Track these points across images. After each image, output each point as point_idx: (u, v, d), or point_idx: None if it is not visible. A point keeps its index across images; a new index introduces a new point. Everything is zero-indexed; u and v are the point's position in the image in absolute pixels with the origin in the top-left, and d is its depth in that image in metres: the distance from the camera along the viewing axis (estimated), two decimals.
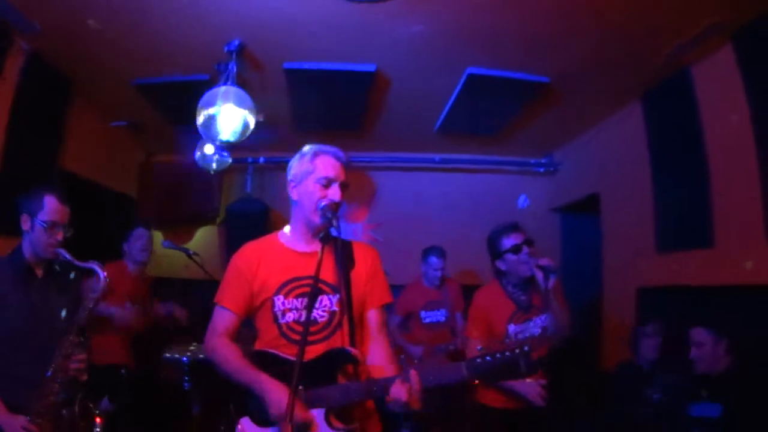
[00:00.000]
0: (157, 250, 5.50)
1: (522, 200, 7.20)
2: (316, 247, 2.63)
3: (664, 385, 4.16)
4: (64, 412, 3.10)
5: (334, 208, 2.59)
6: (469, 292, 6.39)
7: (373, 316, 2.76)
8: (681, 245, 4.64)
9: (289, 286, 2.63)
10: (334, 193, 2.60)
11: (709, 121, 4.34)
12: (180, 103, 5.03)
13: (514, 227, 3.97)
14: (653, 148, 5.03)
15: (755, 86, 3.84)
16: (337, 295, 2.64)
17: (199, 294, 5.60)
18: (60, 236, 3.18)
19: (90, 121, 5.74)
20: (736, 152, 4.03)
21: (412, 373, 2.38)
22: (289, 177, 2.71)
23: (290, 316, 2.60)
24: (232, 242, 7.01)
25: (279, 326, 2.61)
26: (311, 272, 2.44)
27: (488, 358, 2.40)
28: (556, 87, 5.00)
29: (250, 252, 2.74)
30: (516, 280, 3.85)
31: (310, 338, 2.50)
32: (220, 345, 2.61)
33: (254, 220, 6.89)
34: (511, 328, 3.85)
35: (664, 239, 4.88)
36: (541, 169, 7.34)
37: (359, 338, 2.67)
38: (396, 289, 5.81)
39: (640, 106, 5.19)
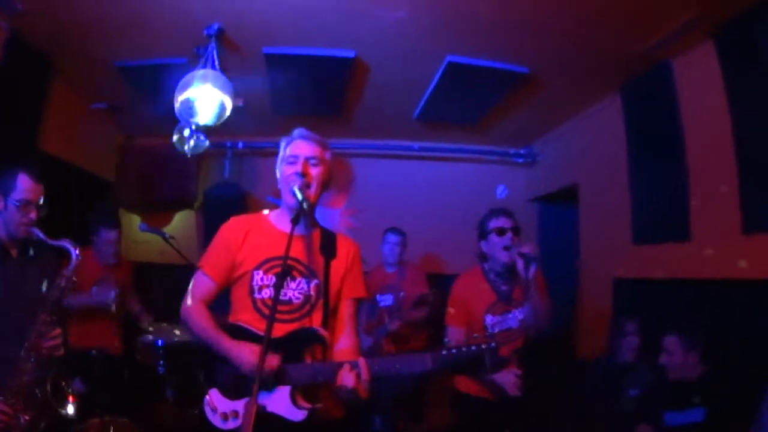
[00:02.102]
0: (132, 234, 5.48)
1: (500, 190, 7.20)
2: (301, 230, 2.70)
3: (641, 382, 4.17)
4: (37, 391, 3.09)
5: (302, 184, 2.64)
6: (445, 279, 6.46)
7: (345, 307, 2.82)
8: (657, 238, 4.67)
9: (270, 264, 2.69)
10: (299, 166, 2.67)
11: (687, 115, 4.36)
12: (159, 86, 5.00)
13: (504, 211, 3.92)
14: (631, 140, 5.04)
15: (735, 82, 3.86)
16: (315, 281, 2.71)
17: (175, 279, 5.62)
18: (33, 215, 3.17)
19: (70, 102, 5.70)
20: (714, 146, 4.05)
21: (361, 360, 2.42)
22: (276, 163, 2.82)
23: (266, 293, 2.66)
24: (209, 227, 6.96)
25: (254, 301, 2.67)
26: (293, 254, 2.57)
27: (454, 351, 2.43)
28: (536, 77, 5.01)
29: (238, 224, 2.81)
30: (498, 267, 3.79)
31: (283, 317, 2.61)
32: (196, 310, 2.69)
33: (232, 204, 6.82)
34: (488, 318, 3.79)
35: (640, 231, 4.90)
36: (521, 160, 7.34)
37: (331, 326, 2.74)
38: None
39: (619, 98, 5.19)
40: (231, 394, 2.56)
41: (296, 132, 2.83)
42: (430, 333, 5.68)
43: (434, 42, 4.54)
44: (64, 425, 3.41)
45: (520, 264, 3.59)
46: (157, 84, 5.10)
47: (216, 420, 2.55)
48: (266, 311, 2.62)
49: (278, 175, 2.79)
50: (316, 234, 2.81)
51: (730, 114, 3.87)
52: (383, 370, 2.46)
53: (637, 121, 4.98)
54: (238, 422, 2.49)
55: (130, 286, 5.44)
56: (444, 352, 2.43)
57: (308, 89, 5.49)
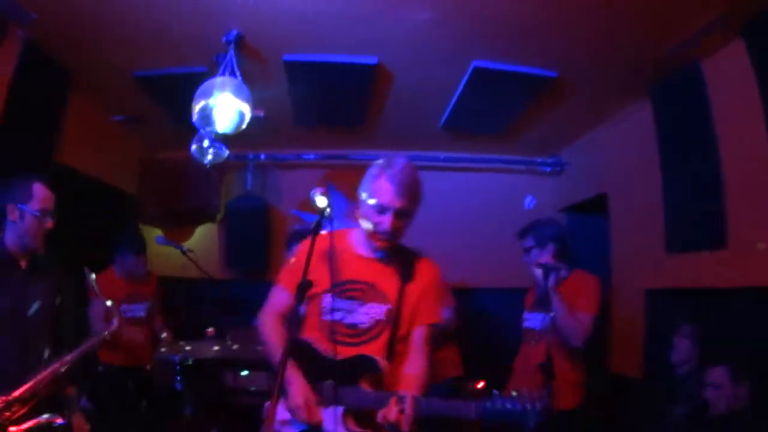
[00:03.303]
0: (153, 248, 5.47)
1: (528, 201, 7.07)
2: (381, 256, 2.77)
3: (688, 396, 3.90)
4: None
5: (386, 237, 2.65)
6: (471, 294, 6.32)
7: (417, 333, 2.79)
8: (692, 246, 4.49)
9: (343, 287, 2.71)
10: (385, 222, 2.61)
11: (720, 118, 4.20)
12: (179, 96, 4.87)
13: (526, 231, 4.34)
14: (663, 146, 4.88)
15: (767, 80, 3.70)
16: (387, 305, 2.72)
17: (195, 293, 5.56)
18: (50, 224, 3.16)
19: (88, 114, 5.64)
20: (750, 149, 3.89)
21: (408, 396, 2.44)
22: (361, 188, 2.73)
23: (336, 315, 2.71)
24: (231, 240, 6.95)
25: (322, 322, 2.72)
26: (368, 278, 2.73)
27: (498, 405, 2.42)
28: (564, 82, 4.88)
29: (324, 242, 2.74)
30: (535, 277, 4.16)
31: (347, 340, 2.68)
32: (270, 324, 2.79)
33: (254, 217, 6.85)
34: (525, 314, 4.38)
35: (674, 240, 4.73)
36: (548, 169, 7.22)
37: (401, 351, 2.74)
38: None
39: (648, 103, 5.04)
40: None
41: (390, 170, 2.66)
42: (459, 344, 5.55)
43: (459, 47, 4.44)
44: None
45: (539, 274, 3.86)
46: (177, 94, 4.99)
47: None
48: (334, 334, 2.66)
49: (361, 201, 2.70)
50: (398, 257, 2.78)
51: (765, 114, 3.69)
52: (427, 409, 2.46)
53: (668, 125, 4.83)
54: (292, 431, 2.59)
55: (157, 300, 5.43)
56: (488, 405, 2.43)
57: (330, 98, 5.39)
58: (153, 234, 6.49)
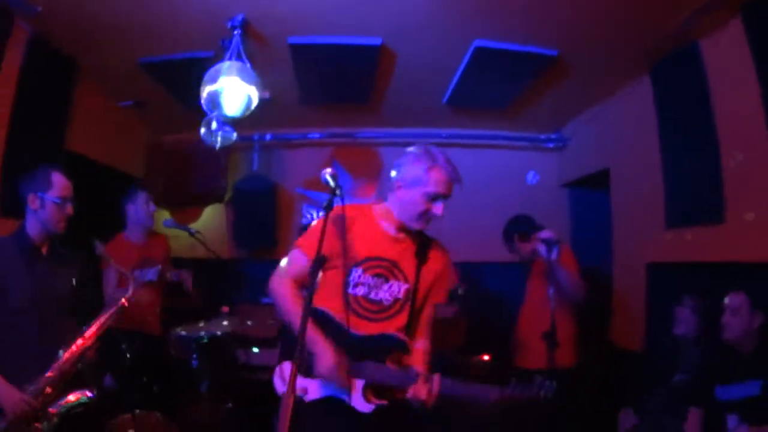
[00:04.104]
0: (161, 230, 5.52)
1: (531, 176, 7.10)
2: (404, 235, 2.88)
3: (689, 364, 4.05)
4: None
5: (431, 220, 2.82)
6: (476, 267, 6.39)
7: (426, 312, 2.97)
8: (691, 220, 4.56)
9: (370, 263, 2.80)
10: (438, 208, 2.77)
11: (718, 95, 4.25)
12: (185, 80, 4.96)
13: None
14: (663, 122, 4.93)
15: (765, 59, 3.74)
16: (406, 285, 2.84)
17: (205, 273, 5.62)
18: (70, 210, 3.28)
19: (96, 101, 5.69)
20: (747, 126, 3.94)
21: (436, 377, 2.61)
22: (398, 176, 2.83)
23: (360, 290, 2.78)
24: (239, 220, 7.04)
25: (346, 295, 2.77)
26: (393, 256, 2.81)
27: (518, 390, 2.62)
28: (565, 60, 4.92)
29: (348, 214, 2.82)
30: None
31: (372, 316, 2.80)
32: (289, 289, 2.81)
33: (262, 197, 6.92)
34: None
35: (673, 214, 4.80)
36: (551, 145, 7.23)
37: (412, 327, 2.88)
38: None
39: (649, 81, 5.08)
40: (304, 371, 2.66)
41: (444, 162, 2.82)
42: (467, 326, 5.64)
43: (461, 26, 4.48)
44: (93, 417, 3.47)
45: (542, 248, 4.09)
46: (182, 79, 5.08)
47: (283, 390, 2.68)
48: (357, 308, 2.76)
49: (404, 187, 2.79)
50: (415, 239, 2.89)
51: (761, 91, 3.74)
52: (451, 391, 2.64)
53: (668, 102, 4.88)
54: (307, 397, 2.69)
55: (167, 261, 5.47)
56: (510, 390, 2.61)
57: (335, 78, 5.46)
58: (162, 217, 6.58)
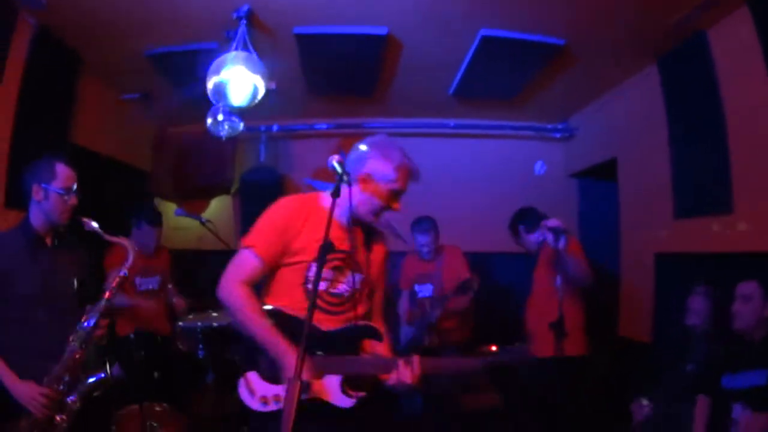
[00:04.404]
0: (171, 222, 5.53)
1: (539, 166, 7.05)
2: (355, 226, 2.80)
3: (700, 354, 3.99)
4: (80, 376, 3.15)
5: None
6: (484, 258, 6.38)
7: (377, 296, 2.97)
8: (699, 211, 4.55)
9: (328, 256, 2.60)
10: (399, 205, 2.76)
11: (726, 84, 4.23)
12: (191, 72, 4.94)
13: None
14: (670, 111, 4.92)
15: None
16: (360, 275, 2.80)
17: (214, 265, 5.64)
18: (74, 201, 3.24)
19: (101, 94, 5.71)
20: (755, 115, 3.93)
21: (415, 358, 2.59)
22: (366, 168, 2.72)
23: (321, 285, 2.59)
24: (246, 212, 7.02)
25: (306, 290, 2.67)
26: (348, 247, 2.73)
27: (500, 357, 2.81)
28: (572, 49, 4.89)
29: (297, 207, 2.75)
30: None
31: (333, 309, 2.73)
32: (242, 293, 2.61)
33: (269, 188, 6.85)
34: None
35: (682, 205, 4.78)
36: (558, 135, 7.22)
37: (370, 316, 2.88)
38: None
39: (656, 70, 5.06)
40: (273, 378, 2.57)
41: (409, 160, 2.77)
42: (475, 324, 5.63)
43: (467, 16, 4.44)
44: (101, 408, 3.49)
45: (549, 237, 4.08)
46: (188, 70, 5.05)
47: (254, 403, 2.57)
48: (319, 303, 2.65)
49: (370, 181, 2.70)
50: (364, 228, 2.86)
51: None
52: (434, 368, 2.69)
53: (676, 92, 4.85)
54: (281, 406, 2.43)
55: (168, 275, 5.49)
56: (491, 358, 2.71)
57: (341, 69, 5.43)
58: (169, 208, 6.58)
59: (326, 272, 2.67)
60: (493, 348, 5.54)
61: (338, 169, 2.50)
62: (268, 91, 4.51)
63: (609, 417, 4.75)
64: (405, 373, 2.55)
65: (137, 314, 4.98)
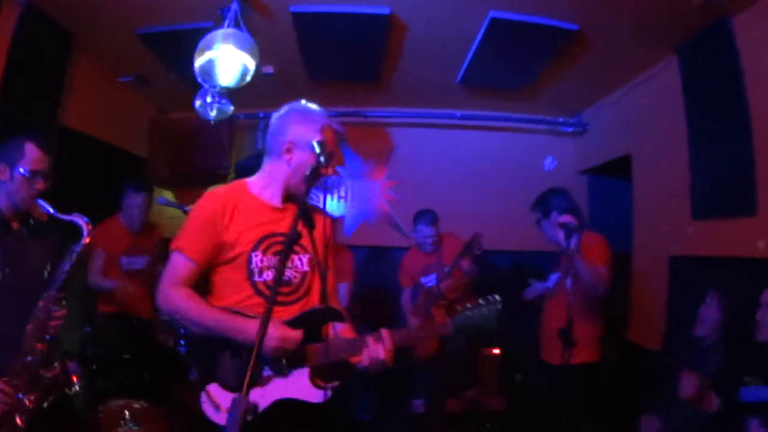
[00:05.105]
0: (164, 211, 5.45)
1: (548, 162, 6.98)
2: (289, 203, 2.66)
3: (714, 367, 3.69)
4: (42, 372, 2.94)
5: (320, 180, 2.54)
6: (487, 255, 6.21)
7: (330, 278, 2.74)
8: (720, 212, 4.32)
9: (267, 242, 2.54)
10: (329, 171, 2.55)
11: (751, 77, 3.99)
12: (185, 52, 4.72)
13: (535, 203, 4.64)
14: (690, 106, 4.69)
15: None
16: (308, 255, 2.65)
17: None
18: (41, 186, 3.03)
19: (94, 75, 5.59)
20: None
21: (384, 332, 2.45)
22: (288, 136, 2.60)
23: (267, 275, 2.53)
24: None
25: (254, 284, 2.52)
26: (284, 228, 2.52)
27: (468, 314, 2.55)
28: (586, 36, 4.67)
29: (221, 200, 2.57)
30: None
31: (285, 299, 2.55)
32: (184, 295, 2.46)
33: None
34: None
35: (700, 205, 4.56)
36: (570, 129, 7.03)
37: (326, 298, 2.61)
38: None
39: (675, 60, 4.85)
40: (236, 385, 2.34)
41: (326, 117, 2.66)
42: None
43: None
44: (71, 406, 3.40)
45: (560, 235, 3.89)
46: (182, 51, 4.83)
47: (220, 418, 2.36)
48: (270, 294, 2.34)
49: (295, 148, 2.58)
50: (300, 204, 2.53)
51: None
52: (406, 340, 2.55)
53: (696, 84, 4.63)
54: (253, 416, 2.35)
55: (158, 256, 5.37)
56: (460, 317, 2.54)
57: (342, 51, 5.20)
58: (165, 196, 6.45)
59: (269, 259, 2.54)
60: (496, 351, 5.46)
61: (317, 149, 2.42)
62: (265, 75, 4.32)
63: (615, 428, 4.62)
64: (377, 350, 2.41)
65: (117, 296, 4.95)
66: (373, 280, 6.73)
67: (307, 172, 2.45)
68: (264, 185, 2.65)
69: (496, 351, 5.88)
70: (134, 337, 4.94)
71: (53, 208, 3.01)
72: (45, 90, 4.80)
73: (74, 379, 3.14)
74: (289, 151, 2.57)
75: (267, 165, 2.66)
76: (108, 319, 4.98)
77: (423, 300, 5.58)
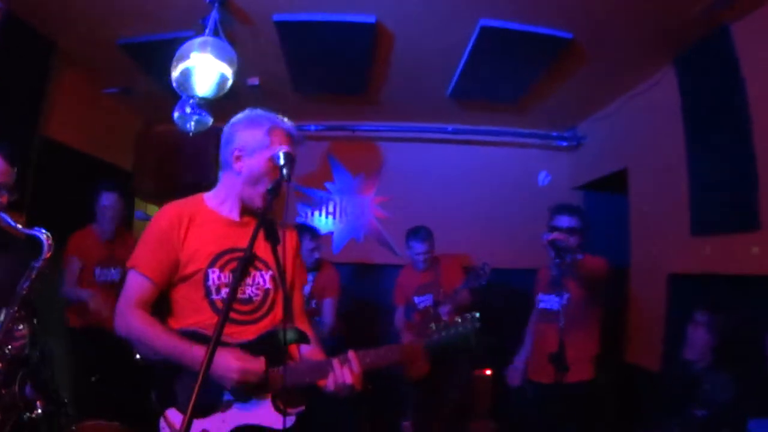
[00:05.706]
0: (137, 226, 5.31)
1: (542, 177, 6.94)
2: (248, 218, 2.56)
3: (711, 396, 3.55)
4: (3, 391, 2.78)
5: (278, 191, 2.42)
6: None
7: (297, 297, 2.71)
8: (720, 228, 4.21)
9: (224, 259, 2.44)
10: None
11: (752, 87, 3.89)
12: (166, 62, 4.62)
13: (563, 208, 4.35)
14: (688, 118, 4.60)
15: None
16: (270, 271, 2.55)
17: None
18: (4, 199, 2.88)
19: (78, 86, 5.51)
20: None
21: (351, 354, 2.37)
22: (236, 145, 2.49)
23: (225, 292, 2.41)
24: None
25: (212, 303, 2.40)
26: (243, 244, 2.32)
27: (442, 334, 2.44)
28: (580, 45, 4.57)
29: (176, 214, 2.45)
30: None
31: (245, 318, 2.44)
32: (140, 318, 2.33)
33: None
34: (540, 295, 4.49)
35: (700, 221, 4.45)
36: (564, 143, 6.95)
37: (291, 318, 2.57)
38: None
39: (673, 71, 4.76)
40: (197, 411, 2.10)
41: (281, 120, 2.56)
42: None
43: (465, 3, 4.12)
44: (34, 428, 3.07)
45: (550, 253, 3.70)
46: (165, 61, 4.73)
47: None
48: (230, 314, 2.27)
49: (245, 156, 2.46)
50: (257, 219, 2.44)
51: None
52: (375, 360, 2.41)
53: (695, 95, 4.54)
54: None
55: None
56: (434, 337, 2.44)
57: (327, 62, 5.08)
58: (150, 210, 6.33)
59: (227, 277, 2.42)
60: (488, 372, 5.34)
61: (281, 160, 2.34)
62: (251, 88, 4.18)
63: None
64: (343, 374, 2.30)
65: (87, 309, 4.82)
66: (361, 297, 6.65)
67: (262, 182, 2.40)
68: (221, 200, 2.55)
69: (488, 372, 5.74)
70: (107, 353, 4.71)
71: (20, 221, 2.83)
72: (26, 99, 4.72)
73: (38, 402, 3.00)
74: (238, 159, 2.47)
75: (221, 178, 2.56)
76: (79, 335, 4.91)
77: (419, 320, 5.46)
